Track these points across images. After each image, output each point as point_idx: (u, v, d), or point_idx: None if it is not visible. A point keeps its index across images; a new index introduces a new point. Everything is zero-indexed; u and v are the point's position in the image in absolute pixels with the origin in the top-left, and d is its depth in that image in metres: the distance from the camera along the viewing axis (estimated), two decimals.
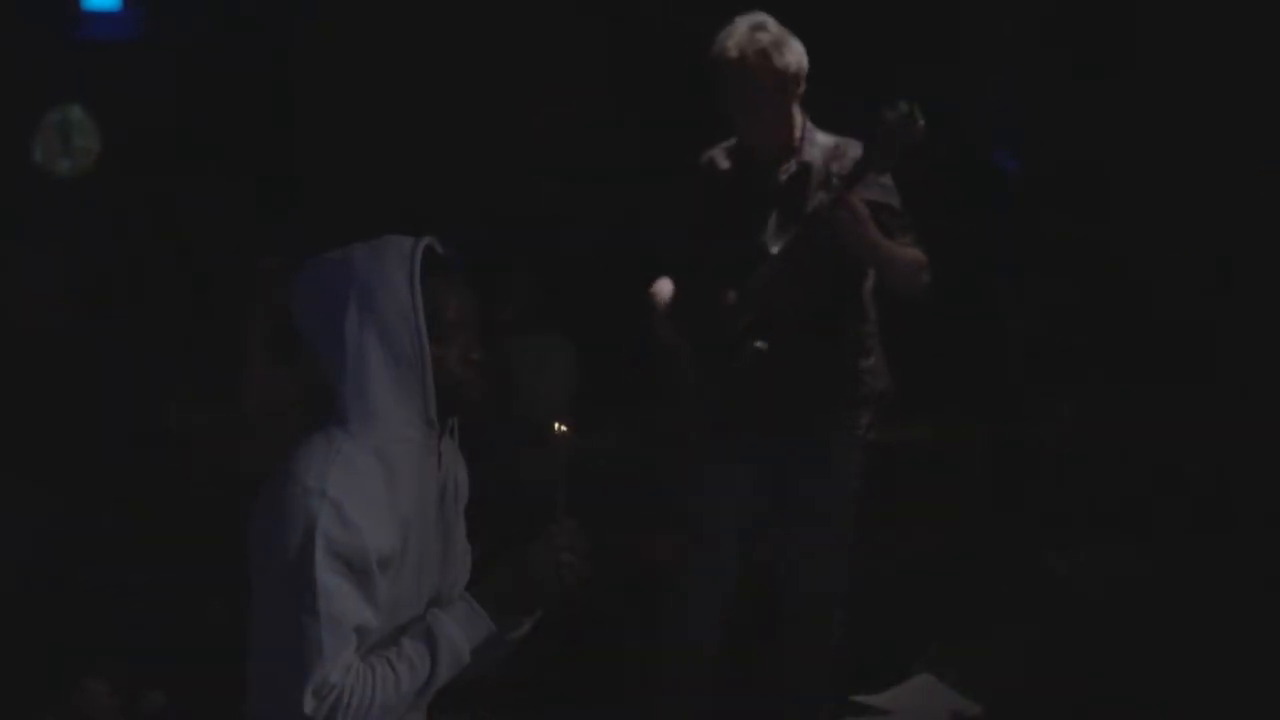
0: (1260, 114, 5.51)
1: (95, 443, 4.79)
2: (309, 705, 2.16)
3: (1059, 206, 6.13)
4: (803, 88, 3.62)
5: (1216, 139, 5.62)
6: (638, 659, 4.10)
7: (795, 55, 3.58)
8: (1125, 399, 5.32)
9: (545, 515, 2.39)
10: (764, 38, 3.54)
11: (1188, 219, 5.68)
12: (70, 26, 6.75)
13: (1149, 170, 5.84)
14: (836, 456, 3.74)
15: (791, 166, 3.67)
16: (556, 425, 2.40)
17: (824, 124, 3.72)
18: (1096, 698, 3.21)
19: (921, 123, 3.38)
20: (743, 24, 3.58)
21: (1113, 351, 5.61)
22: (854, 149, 3.61)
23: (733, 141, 3.79)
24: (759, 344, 3.61)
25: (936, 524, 4.96)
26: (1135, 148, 5.91)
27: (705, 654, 3.86)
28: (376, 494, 2.24)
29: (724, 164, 3.79)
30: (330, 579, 2.17)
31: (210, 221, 6.37)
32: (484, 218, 6.67)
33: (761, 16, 3.59)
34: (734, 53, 3.54)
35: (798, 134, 3.67)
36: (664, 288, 3.86)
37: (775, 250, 3.60)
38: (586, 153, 6.63)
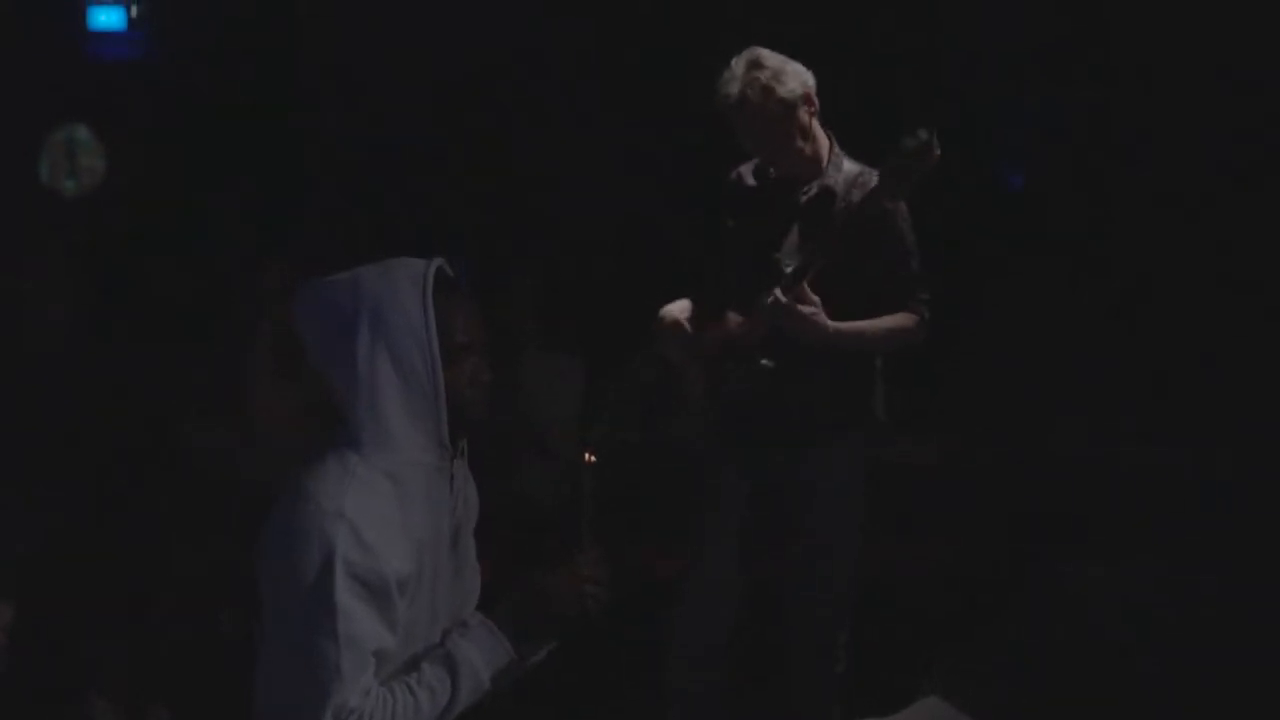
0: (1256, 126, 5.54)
1: (101, 455, 4.79)
2: None
3: (1062, 222, 6.14)
4: (815, 106, 3.64)
5: (1213, 154, 5.63)
6: (644, 678, 4.10)
7: (797, 80, 3.59)
8: (1133, 413, 5.33)
9: (562, 537, 2.38)
10: (762, 75, 3.55)
11: (1186, 232, 5.68)
12: (76, 46, 6.77)
13: (1150, 183, 5.85)
14: (840, 476, 3.75)
15: (813, 189, 3.68)
16: (586, 455, 2.39)
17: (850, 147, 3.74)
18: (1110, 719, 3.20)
19: (938, 152, 3.39)
20: (739, 65, 3.59)
21: (1120, 367, 5.61)
22: (875, 180, 3.60)
23: (758, 160, 3.80)
24: (766, 362, 3.62)
25: (943, 543, 4.96)
26: (1134, 162, 5.92)
27: (711, 673, 3.86)
28: (392, 517, 2.23)
29: (750, 180, 3.81)
30: (350, 601, 2.16)
31: (216, 237, 6.38)
32: (490, 228, 6.69)
33: (756, 52, 3.60)
34: (737, 96, 3.56)
35: (824, 156, 3.69)
36: (672, 311, 3.87)
37: (789, 269, 3.61)
38: (594, 162, 6.65)
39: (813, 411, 3.67)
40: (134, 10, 6.77)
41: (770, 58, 3.59)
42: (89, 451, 4.67)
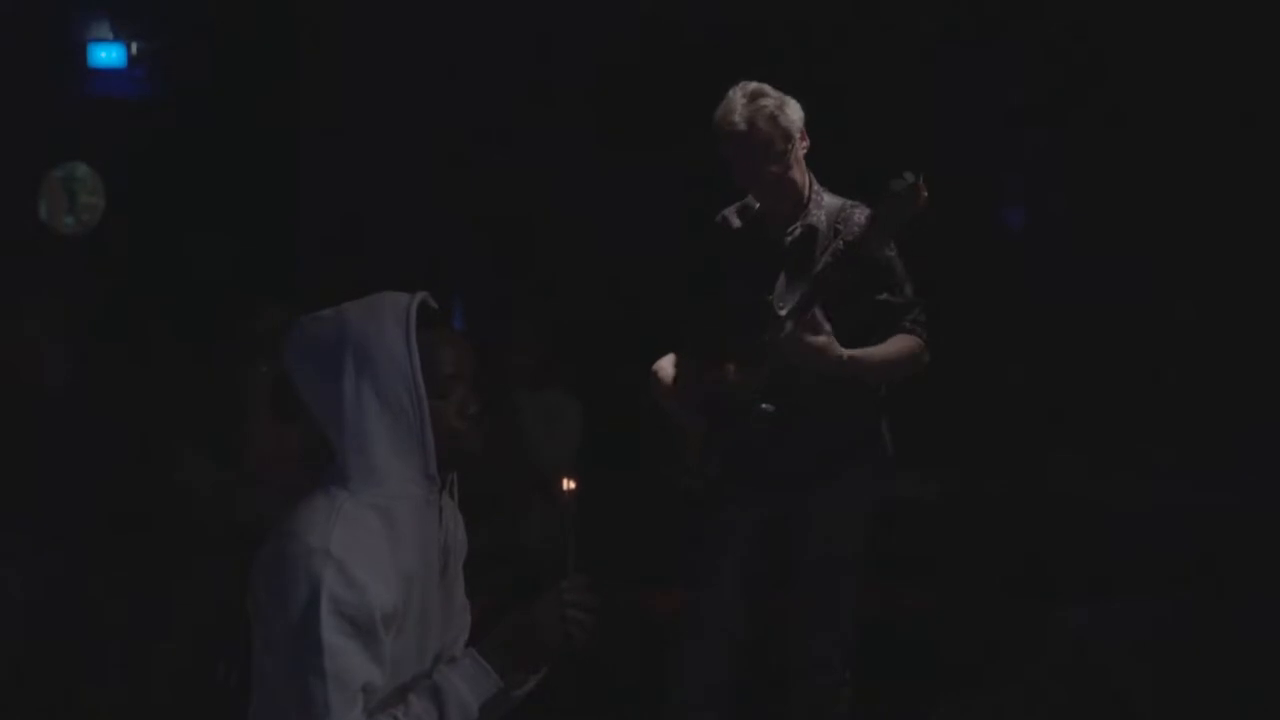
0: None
1: (96, 497, 4.77)
2: None
3: (1058, 264, 6.15)
4: (806, 142, 3.66)
5: (1211, 186, 5.65)
6: (644, 716, 4.07)
7: (797, 113, 3.64)
8: (1133, 455, 5.32)
9: (553, 570, 2.37)
10: (768, 103, 3.58)
11: (1183, 266, 5.69)
12: (76, 84, 6.80)
13: (1147, 215, 5.86)
14: (840, 517, 3.73)
15: (797, 229, 3.69)
16: (565, 482, 2.38)
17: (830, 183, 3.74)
18: None
19: (926, 194, 3.39)
20: (740, 94, 3.61)
21: (1123, 407, 5.61)
22: (860, 212, 3.64)
23: (744, 202, 3.83)
24: (766, 406, 3.60)
25: (944, 582, 4.94)
26: (1131, 196, 5.94)
27: (714, 713, 3.82)
28: (380, 552, 2.23)
29: (736, 223, 3.82)
30: (336, 638, 2.16)
31: (213, 275, 6.39)
32: (489, 268, 6.70)
33: (753, 84, 3.63)
34: (742, 124, 3.58)
35: (805, 194, 3.70)
36: (667, 365, 3.86)
37: (783, 311, 3.60)
38: (590, 202, 6.66)
39: (817, 450, 3.66)
40: (134, 48, 6.81)
41: (769, 89, 3.62)
42: (89, 497, 4.66)
